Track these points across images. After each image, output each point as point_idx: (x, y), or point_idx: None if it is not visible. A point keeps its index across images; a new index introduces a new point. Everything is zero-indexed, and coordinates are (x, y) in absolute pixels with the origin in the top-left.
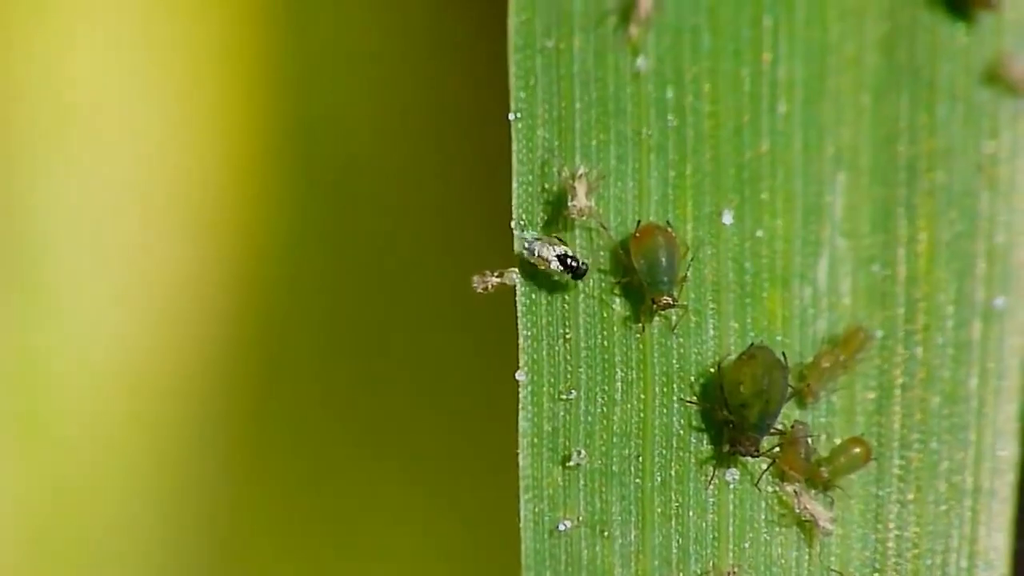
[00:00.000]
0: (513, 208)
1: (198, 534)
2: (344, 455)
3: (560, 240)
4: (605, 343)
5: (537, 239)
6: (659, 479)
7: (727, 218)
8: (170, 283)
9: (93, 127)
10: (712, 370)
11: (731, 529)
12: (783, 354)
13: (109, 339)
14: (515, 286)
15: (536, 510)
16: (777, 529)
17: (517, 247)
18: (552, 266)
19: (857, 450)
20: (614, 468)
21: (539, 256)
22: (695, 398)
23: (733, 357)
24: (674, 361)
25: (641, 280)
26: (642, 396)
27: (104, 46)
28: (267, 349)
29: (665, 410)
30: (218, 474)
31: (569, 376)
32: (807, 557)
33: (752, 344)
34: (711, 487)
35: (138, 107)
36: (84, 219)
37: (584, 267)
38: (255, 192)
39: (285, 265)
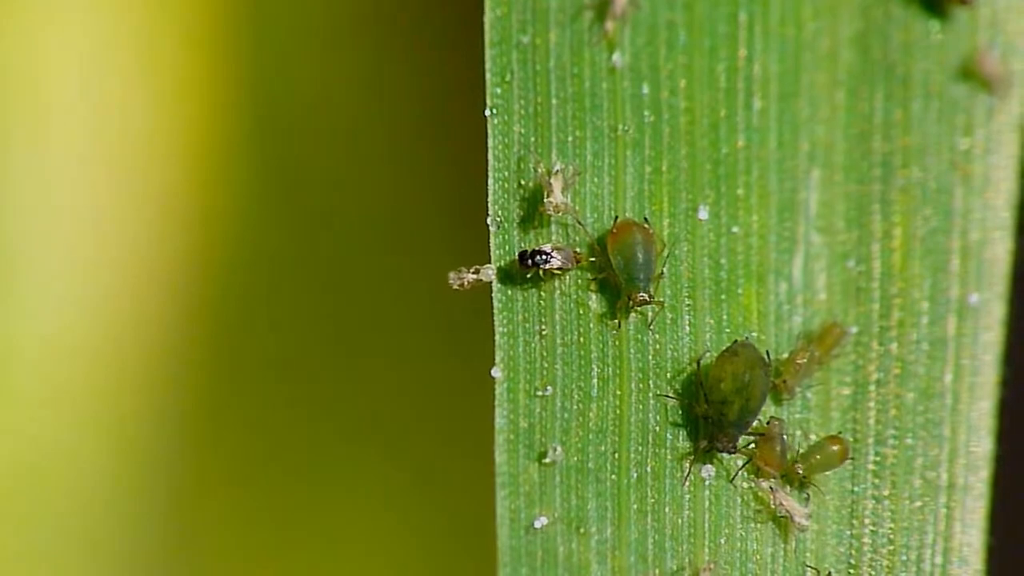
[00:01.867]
0: (489, 204)
1: (158, 510)
2: (318, 452)
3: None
4: (581, 339)
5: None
6: (635, 475)
7: (703, 214)
8: (132, 260)
9: (55, 105)
10: (689, 366)
11: (707, 525)
12: (767, 352)
13: (69, 316)
14: (491, 282)
15: (512, 507)
16: (753, 525)
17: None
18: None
19: (834, 448)
20: (590, 464)
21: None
22: (672, 394)
23: (710, 353)
24: (650, 357)
25: (617, 276)
26: (618, 392)
27: (67, 28)
28: (232, 334)
29: (641, 406)
30: (179, 451)
31: (545, 372)
32: (782, 553)
33: (736, 341)
34: (687, 483)
35: (100, 86)
36: (45, 197)
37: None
38: (222, 176)
39: (253, 253)
